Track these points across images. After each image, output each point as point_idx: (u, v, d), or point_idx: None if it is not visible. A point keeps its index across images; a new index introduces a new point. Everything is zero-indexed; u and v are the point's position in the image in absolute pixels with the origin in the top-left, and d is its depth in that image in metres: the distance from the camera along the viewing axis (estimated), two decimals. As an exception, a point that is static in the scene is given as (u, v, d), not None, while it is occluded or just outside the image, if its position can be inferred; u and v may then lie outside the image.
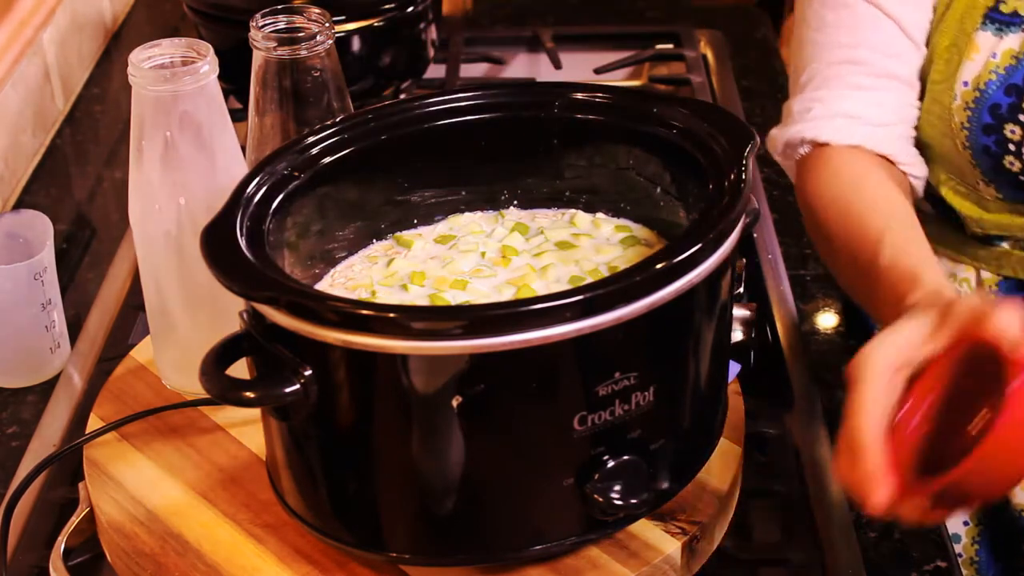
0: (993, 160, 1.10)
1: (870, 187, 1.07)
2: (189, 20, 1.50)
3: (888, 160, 1.11)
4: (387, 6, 1.45)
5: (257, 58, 1.01)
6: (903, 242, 0.99)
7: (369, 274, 0.95)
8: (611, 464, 0.83)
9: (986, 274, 1.18)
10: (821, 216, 1.08)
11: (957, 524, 1.24)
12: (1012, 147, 1.07)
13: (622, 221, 0.99)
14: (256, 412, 0.92)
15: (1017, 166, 1.08)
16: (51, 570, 0.92)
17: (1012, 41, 1.07)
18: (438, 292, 0.92)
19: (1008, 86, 1.07)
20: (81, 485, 0.97)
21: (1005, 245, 1.16)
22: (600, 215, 0.99)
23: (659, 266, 0.79)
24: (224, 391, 0.80)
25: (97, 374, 1.17)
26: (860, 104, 1.11)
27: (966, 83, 1.09)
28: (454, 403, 0.78)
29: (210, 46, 0.95)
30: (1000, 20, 1.07)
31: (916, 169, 1.13)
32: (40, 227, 1.17)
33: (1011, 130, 1.07)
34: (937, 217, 1.20)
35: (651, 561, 0.88)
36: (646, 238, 0.97)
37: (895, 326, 0.85)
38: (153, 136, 0.95)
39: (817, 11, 1.13)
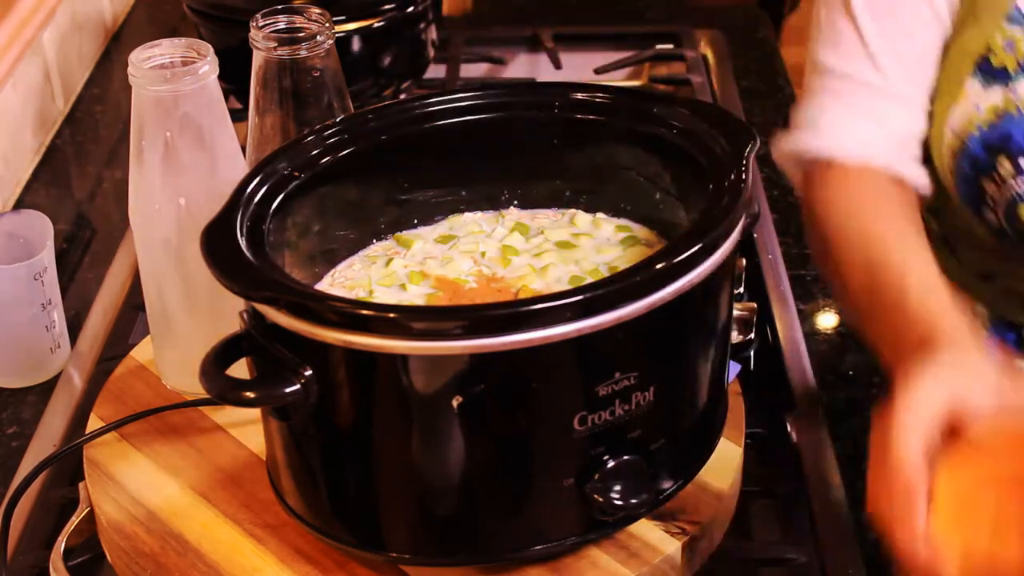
0: (975, 210, 1.07)
1: (885, 212, 1.03)
2: (189, 20, 1.50)
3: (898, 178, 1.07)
4: (387, 6, 1.45)
5: (257, 58, 1.01)
6: (929, 280, 0.95)
7: (367, 274, 0.95)
8: (611, 464, 0.83)
9: (979, 308, 1.15)
10: (833, 234, 1.04)
11: None
12: (990, 201, 1.05)
13: (622, 221, 0.99)
14: (256, 412, 0.92)
15: (994, 220, 1.05)
16: (51, 570, 0.92)
17: (996, 96, 1.04)
18: (436, 292, 0.92)
19: (987, 143, 1.04)
20: (81, 485, 0.97)
21: (998, 283, 1.14)
22: (600, 215, 0.99)
23: (659, 266, 0.79)
24: (224, 391, 0.80)
25: (97, 374, 1.17)
26: (871, 121, 1.07)
27: (952, 130, 1.06)
28: (454, 403, 0.78)
29: (210, 46, 0.95)
30: (988, 73, 1.04)
31: (923, 187, 1.08)
32: (40, 227, 1.16)
33: (987, 185, 1.04)
34: (935, 248, 1.17)
35: (651, 561, 0.88)
36: (646, 238, 0.97)
37: (919, 395, 0.82)
38: (153, 136, 0.95)
39: (834, 22, 1.09)
